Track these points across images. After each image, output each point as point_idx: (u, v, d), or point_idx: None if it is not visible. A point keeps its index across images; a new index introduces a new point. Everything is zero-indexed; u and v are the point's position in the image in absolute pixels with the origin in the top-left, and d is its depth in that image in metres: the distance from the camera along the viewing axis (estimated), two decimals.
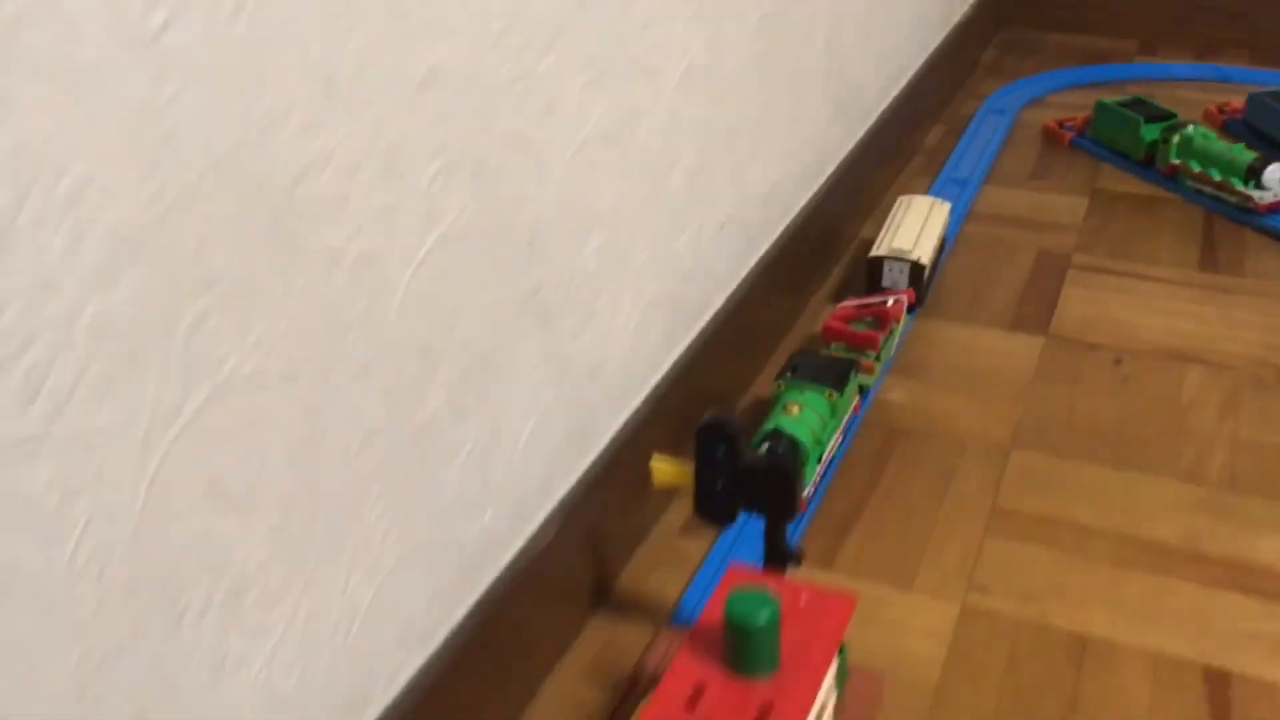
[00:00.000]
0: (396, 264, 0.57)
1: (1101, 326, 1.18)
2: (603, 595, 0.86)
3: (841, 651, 0.69)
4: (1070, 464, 0.99)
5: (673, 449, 0.86)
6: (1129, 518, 0.93)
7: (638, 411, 0.88)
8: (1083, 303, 1.23)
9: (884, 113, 1.42)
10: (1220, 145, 1.39)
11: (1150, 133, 1.47)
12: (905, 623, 0.84)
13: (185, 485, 0.47)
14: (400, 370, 0.59)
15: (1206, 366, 1.11)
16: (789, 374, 0.97)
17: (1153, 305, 1.22)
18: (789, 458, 0.68)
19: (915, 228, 1.20)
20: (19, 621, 0.41)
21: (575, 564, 0.81)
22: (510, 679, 0.75)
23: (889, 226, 1.22)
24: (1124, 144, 1.50)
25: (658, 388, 0.91)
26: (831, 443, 0.96)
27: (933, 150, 1.59)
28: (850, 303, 1.11)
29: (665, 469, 0.74)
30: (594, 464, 0.83)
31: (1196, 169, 1.41)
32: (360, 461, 0.58)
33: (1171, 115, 1.48)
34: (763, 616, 0.59)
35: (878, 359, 1.05)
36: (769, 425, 0.91)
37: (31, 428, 0.40)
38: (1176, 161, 1.43)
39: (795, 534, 0.91)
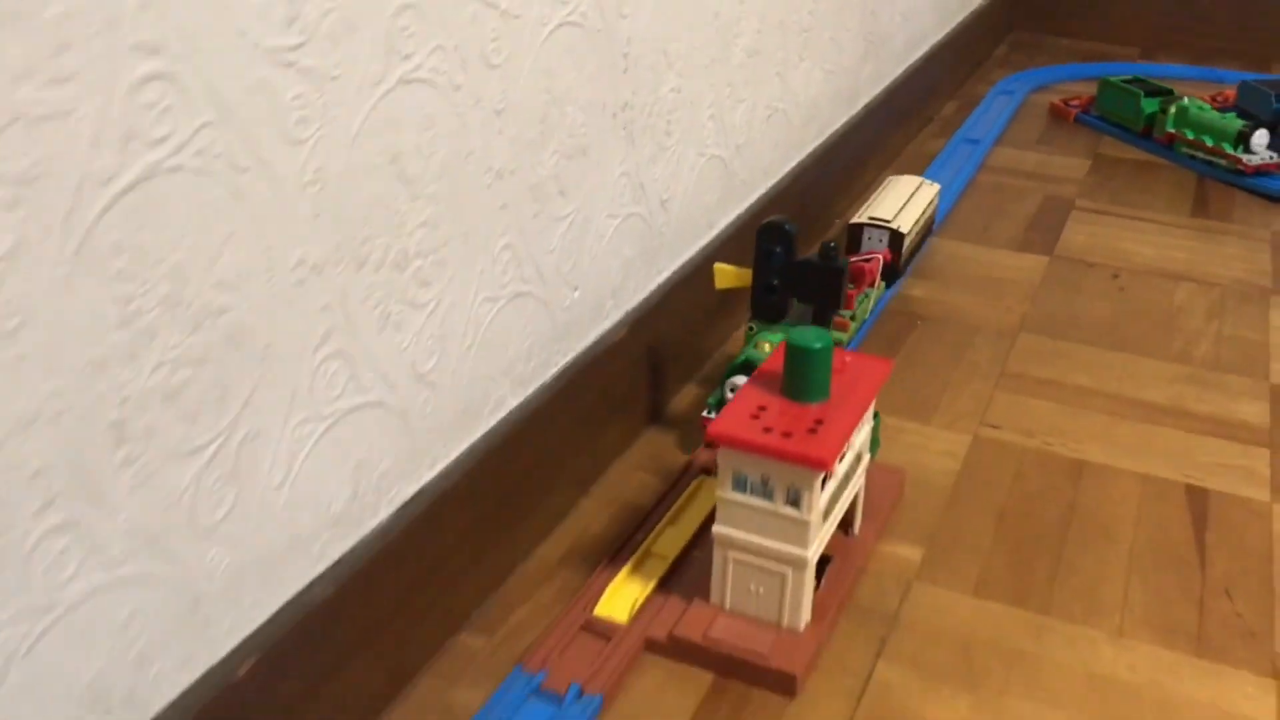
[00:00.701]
0: (530, 32, 0.69)
1: (1102, 251, 1.31)
2: (656, 415, 0.97)
3: (876, 417, 0.80)
4: (1072, 345, 1.11)
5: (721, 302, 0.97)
6: (1123, 384, 1.04)
7: (692, 260, 1.00)
8: (1085, 234, 1.35)
9: (907, 71, 1.56)
10: (1213, 114, 1.52)
11: (1149, 105, 1.60)
12: (924, 445, 0.95)
13: (378, 148, 0.59)
14: (525, 127, 0.71)
15: (1196, 283, 1.24)
16: None
17: (1149, 239, 1.34)
18: (838, 253, 0.79)
19: (898, 201, 1.25)
20: (268, 209, 0.52)
21: (637, 371, 0.92)
22: (581, 453, 0.86)
23: (873, 199, 1.25)
24: (1125, 116, 1.64)
25: (709, 245, 1.02)
26: None
27: (947, 120, 1.73)
28: None
29: (727, 270, 0.86)
30: (657, 290, 0.94)
31: (1191, 136, 1.54)
32: (491, 194, 0.69)
33: (1169, 91, 1.62)
34: (818, 343, 0.70)
35: (853, 318, 1.05)
36: (740, 358, 0.91)
37: (290, 43, 0.51)
38: (1173, 130, 1.57)
39: None
